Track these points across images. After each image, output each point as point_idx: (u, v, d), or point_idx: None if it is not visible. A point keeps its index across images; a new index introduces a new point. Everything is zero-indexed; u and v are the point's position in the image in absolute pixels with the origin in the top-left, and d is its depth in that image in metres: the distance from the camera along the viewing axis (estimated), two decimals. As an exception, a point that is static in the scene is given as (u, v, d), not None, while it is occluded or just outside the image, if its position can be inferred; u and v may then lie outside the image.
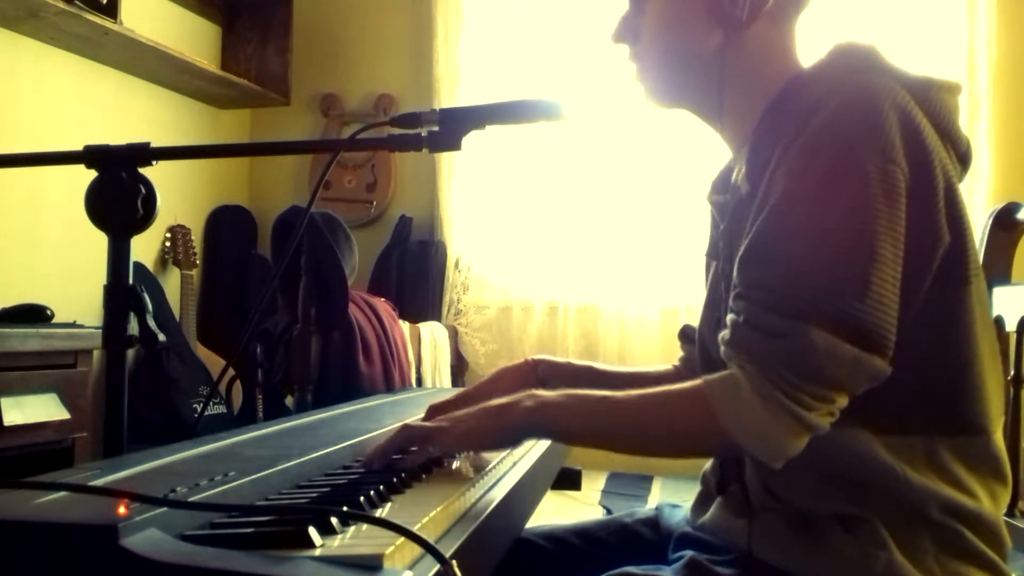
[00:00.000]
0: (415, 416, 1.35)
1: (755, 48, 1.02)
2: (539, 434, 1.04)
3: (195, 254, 3.38)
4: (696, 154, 3.32)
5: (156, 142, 1.07)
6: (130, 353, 1.10)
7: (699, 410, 0.90)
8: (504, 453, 1.19)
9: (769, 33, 1.02)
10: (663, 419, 0.94)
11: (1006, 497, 0.98)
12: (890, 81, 0.93)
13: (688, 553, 1.03)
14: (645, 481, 3.22)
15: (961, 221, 0.92)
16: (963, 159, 0.98)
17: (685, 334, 1.25)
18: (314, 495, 0.82)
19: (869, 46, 0.99)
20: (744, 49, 1.02)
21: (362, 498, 0.77)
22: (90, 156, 1.06)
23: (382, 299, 3.02)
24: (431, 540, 0.65)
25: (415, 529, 0.65)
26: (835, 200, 0.88)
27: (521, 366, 1.32)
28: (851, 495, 0.92)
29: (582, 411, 0.98)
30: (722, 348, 0.93)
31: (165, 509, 0.65)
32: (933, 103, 0.94)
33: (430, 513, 0.76)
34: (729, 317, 0.93)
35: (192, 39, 3.57)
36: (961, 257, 0.92)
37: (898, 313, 0.87)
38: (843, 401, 0.88)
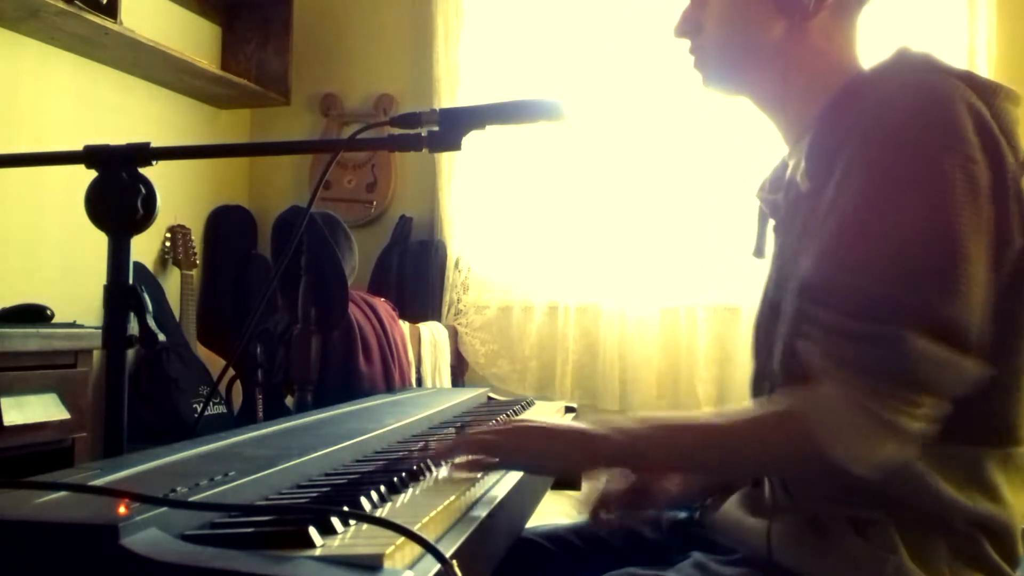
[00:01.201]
0: (415, 416, 1.35)
1: (817, 39, 1.02)
2: (623, 466, 1.01)
3: (195, 254, 3.38)
4: (698, 154, 3.32)
5: (156, 142, 1.07)
6: (130, 353, 1.10)
7: (795, 431, 0.87)
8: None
9: (831, 25, 1.02)
10: (756, 443, 0.91)
11: None
12: (957, 80, 0.91)
13: (694, 554, 1.03)
14: (645, 481, 3.21)
15: None
16: (1020, 168, 0.97)
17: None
18: (314, 495, 0.82)
19: (927, 52, 0.98)
20: (806, 40, 1.02)
21: (362, 498, 0.77)
22: (90, 156, 1.06)
23: (382, 299, 3.02)
24: (431, 540, 0.65)
25: (415, 529, 0.65)
26: (918, 200, 0.86)
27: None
28: (871, 499, 0.91)
29: (671, 443, 0.95)
30: (808, 359, 0.89)
31: (165, 509, 0.65)
32: (999, 107, 0.92)
33: (430, 513, 0.76)
34: (811, 326, 0.90)
35: (192, 39, 3.57)
36: None
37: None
38: (942, 407, 0.85)
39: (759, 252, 1.14)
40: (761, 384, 1.09)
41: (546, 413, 1.63)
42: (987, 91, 0.92)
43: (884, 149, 0.89)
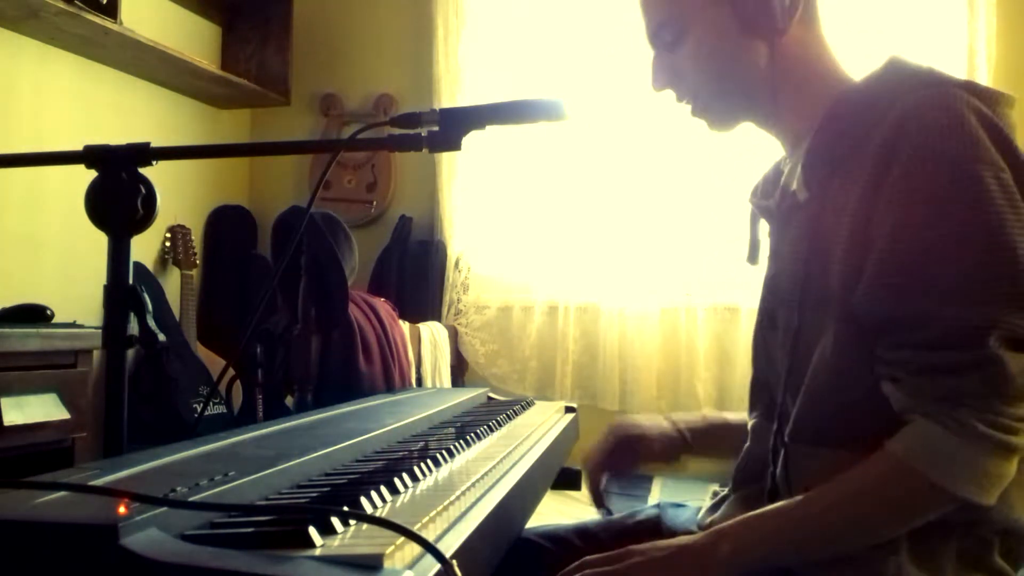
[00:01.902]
0: (415, 416, 1.35)
1: (797, 49, 1.03)
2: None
3: (195, 254, 3.38)
4: (696, 154, 3.31)
5: (156, 142, 1.07)
6: (130, 353, 1.10)
7: (917, 484, 0.85)
8: (513, 445, 1.19)
9: (803, 34, 1.03)
10: (883, 510, 0.89)
11: None
12: (962, 91, 0.92)
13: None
14: (645, 481, 3.21)
15: None
16: None
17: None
18: (314, 495, 0.82)
19: (918, 62, 0.98)
20: (788, 53, 1.03)
21: (362, 498, 0.77)
22: (90, 156, 1.06)
23: (382, 299, 3.02)
24: (431, 540, 0.65)
25: (415, 529, 0.65)
26: (965, 216, 0.86)
27: (668, 436, 1.27)
28: None
29: (782, 535, 0.91)
30: (900, 402, 0.88)
31: (165, 509, 0.65)
32: (1002, 114, 0.93)
33: (430, 513, 0.76)
34: (890, 368, 0.89)
35: (192, 39, 3.57)
36: None
37: None
38: None
39: (753, 258, 1.14)
40: (760, 391, 1.09)
41: (546, 413, 1.63)
42: (989, 99, 0.93)
43: (918, 171, 0.88)
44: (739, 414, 1.29)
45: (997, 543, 0.91)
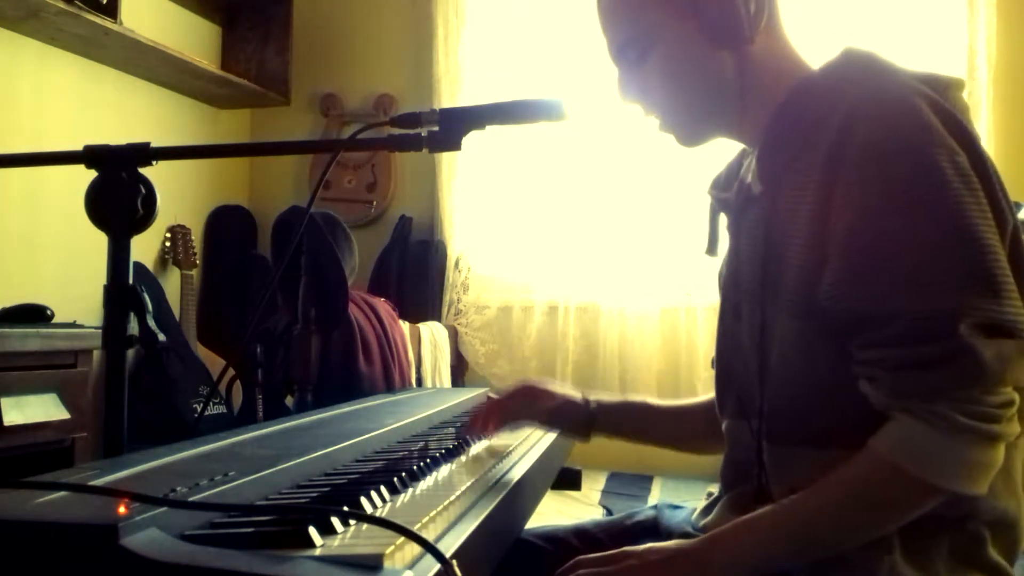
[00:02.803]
0: (415, 416, 1.35)
1: (764, 57, 1.02)
2: None
3: (195, 254, 3.38)
4: (696, 153, 3.31)
5: (156, 142, 1.07)
6: (130, 353, 1.10)
7: (894, 477, 0.85)
8: (514, 445, 1.20)
9: (769, 41, 1.02)
10: (872, 509, 0.88)
11: None
12: (911, 79, 0.92)
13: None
14: (645, 481, 3.21)
15: (1011, 205, 0.90)
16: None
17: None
18: (314, 495, 0.82)
19: (872, 52, 0.98)
20: (756, 62, 1.02)
21: (362, 498, 0.77)
22: (90, 156, 1.06)
23: (382, 299, 3.02)
24: (431, 540, 0.65)
25: (415, 529, 0.65)
26: (925, 205, 0.85)
27: (572, 403, 1.27)
28: None
29: (774, 537, 0.91)
30: (879, 401, 0.88)
31: (165, 509, 0.65)
32: (952, 99, 0.93)
33: (430, 513, 0.76)
34: (866, 368, 0.88)
35: (192, 39, 3.57)
36: (1020, 243, 0.90)
37: None
38: (1018, 398, 0.84)
39: (712, 250, 1.14)
40: (727, 388, 1.09)
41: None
42: (939, 85, 0.93)
43: (872, 161, 0.88)
44: (680, 401, 1.30)
45: (989, 537, 0.91)
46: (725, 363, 1.10)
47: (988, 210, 0.86)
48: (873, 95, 0.90)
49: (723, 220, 1.14)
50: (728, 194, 1.09)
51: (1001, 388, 0.83)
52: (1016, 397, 0.84)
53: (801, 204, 0.93)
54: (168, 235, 3.34)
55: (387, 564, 0.61)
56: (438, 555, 0.62)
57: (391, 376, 2.75)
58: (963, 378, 0.82)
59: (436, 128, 1.06)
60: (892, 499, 0.87)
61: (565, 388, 1.29)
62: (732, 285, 1.08)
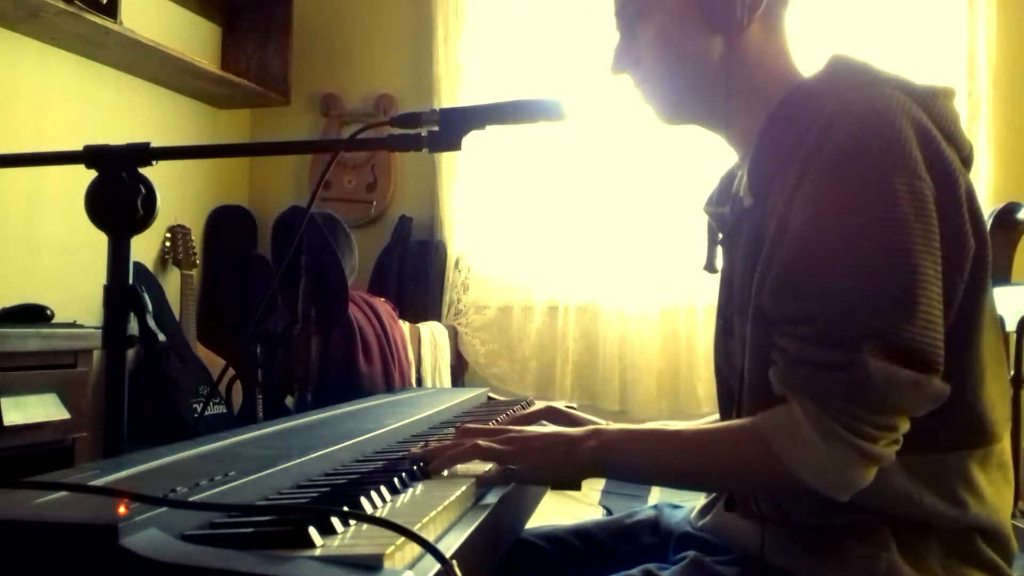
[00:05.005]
0: (415, 416, 1.35)
1: (755, 52, 1.02)
2: (600, 474, 1.01)
3: (195, 254, 3.38)
4: (696, 154, 3.31)
5: (156, 142, 1.07)
6: (130, 353, 1.10)
7: (760, 449, 0.89)
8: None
9: (763, 35, 1.03)
10: (724, 457, 0.93)
11: (1012, 500, 0.98)
12: (897, 92, 0.92)
13: (690, 553, 1.03)
14: (645, 481, 3.22)
15: (981, 225, 0.91)
16: (966, 162, 0.97)
17: None
18: (314, 495, 0.82)
19: (864, 62, 0.98)
20: (745, 54, 1.02)
21: (362, 498, 0.77)
22: (90, 156, 1.06)
23: (382, 299, 3.02)
24: (431, 540, 0.65)
25: (415, 529, 0.65)
26: (868, 222, 0.86)
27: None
28: (862, 517, 0.91)
29: (643, 450, 0.98)
30: (775, 385, 0.91)
31: (165, 509, 0.65)
32: (939, 110, 0.93)
33: (430, 513, 0.76)
34: (776, 354, 0.91)
35: (192, 39, 3.57)
36: (982, 263, 0.91)
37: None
38: (905, 427, 0.86)
39: (710, 267, 1.14)
40: (726, 400, 1.10)
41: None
42: (925, 96, 0.93)
43: (831, 174, 0.89)
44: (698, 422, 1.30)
45: (979, 538, 0.92)
46: (723, 379, 1.11)
47: (935, 240, 0.86)
48: (852, 108, 0.91)
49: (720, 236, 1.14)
50: (723, 209, 1.09)
51: (888, 412, 0.84)
52: (901, 425, 0.86)
53: (776, 212, 0.94)
54: (168, 235, 3.34)
55: (387, 564, 0.60)
56: (438, 555, 0.62)
57: (391, 376, 2.75)
58: (849, 390, 0.84)
59: (436, 128, 1.06)
60: (749, 461, 0.91)
61: (587, 415, 1.31)
62: (725, 300, 1.09)
